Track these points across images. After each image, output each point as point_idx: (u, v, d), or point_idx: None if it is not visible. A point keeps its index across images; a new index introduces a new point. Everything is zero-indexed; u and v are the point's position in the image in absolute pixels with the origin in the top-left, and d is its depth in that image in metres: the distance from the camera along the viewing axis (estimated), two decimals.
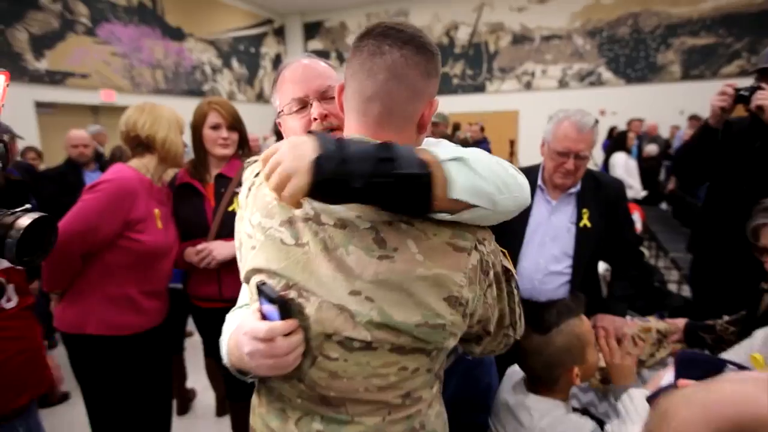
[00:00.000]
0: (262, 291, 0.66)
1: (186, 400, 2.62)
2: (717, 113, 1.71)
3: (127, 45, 7.22)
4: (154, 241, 1.49)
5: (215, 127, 1.71)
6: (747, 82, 1.77)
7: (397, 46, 0.67)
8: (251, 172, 0.80)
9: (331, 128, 0.90)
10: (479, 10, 9.62)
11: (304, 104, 0.93)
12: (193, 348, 2.88)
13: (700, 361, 0.62)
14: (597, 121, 1.52)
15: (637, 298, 2.10)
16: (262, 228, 0.73)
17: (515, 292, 0.81)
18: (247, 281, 0.78)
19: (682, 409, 0.50)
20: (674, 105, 8.18)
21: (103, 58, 6.83)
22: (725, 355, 0.91)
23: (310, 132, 0.68)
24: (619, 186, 1.66)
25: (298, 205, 0.63)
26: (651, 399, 0.65)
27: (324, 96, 0.93)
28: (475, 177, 0.64)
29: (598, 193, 1.58)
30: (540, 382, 1.03)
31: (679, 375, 0.62)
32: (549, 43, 9.21)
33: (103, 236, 1.43)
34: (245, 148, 1.83)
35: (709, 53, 8.19)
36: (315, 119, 0.90)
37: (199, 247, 1.65)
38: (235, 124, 1.73)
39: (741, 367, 0.61)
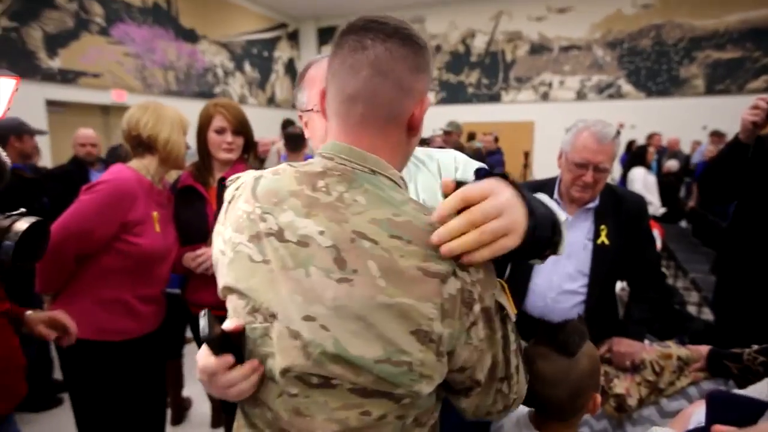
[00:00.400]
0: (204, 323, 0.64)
1: (181, 410, 2.59)
2: (748, 128, 1.65)
3: (141, 45, 7.34)
4: (151, 244, 1.47)
5: (220, 131, 1.70)
6: None
7: (380, 39, 0.63)
8: (233, 188, 0.76)
9: None
10: (497, 18, 9.63)
11: None
12: (192, 355, 2.85)
13: (737, 403, 0.58)
14: (619, 133, 1.47)
15: (655, 321, 2.04)
16: (233, 243, 0.69)
17: (511, 337, 0.66)
18: (224, 299, 0.75)
19: None
20: (697, 120, 8.06)
21: (116, 58, 6.94)
22: (752, 389, 0.86)
23: (503, 176, 0.62)
24: (641, 202, 1.61)
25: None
26: None
27: None
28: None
29: (618, 209, 1.53)
30: (558, 415, 0.91)
31: (712, 417, 0.58)
32: (568, 53, 9.16)
33: (99, 238, 1.41)
34: (251, 152, 1.82)
35: (734, 67, 8.08)
36: None
37: (198, 252, 1.63)
38: (241, 128, 1.72)
39: None
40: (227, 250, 0.70)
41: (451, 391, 0.69)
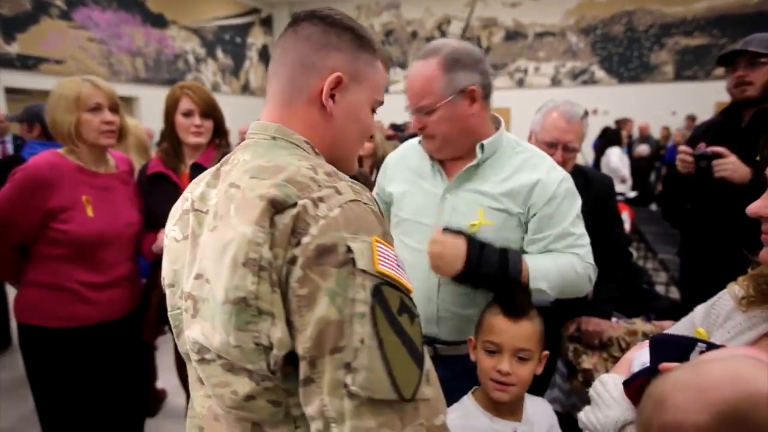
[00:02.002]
0: None
1: (156, 401, 2.56)
2: (683, 173, 1.68)
3: (105, 31, 7.08)
4: (83, 230, 1.40)
5: (187, 114, 1.65)
6: None
7: (293, 24, 0.69)
8: None
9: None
10: (472, 4, 9.63)
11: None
12: (165, 345, 2.81)
13: (672, 342, 0.62)
14: (587, 113, 1.50)
15: (624, 299, 2.10)
16: (168, 232, 0.72)
17: (360, 295, 0.52)
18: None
19: (679, 395, 0.52)
20: (666, 106, 8.28)
21: (79, 44, 6.69)
22: (674, 328, 0.94)
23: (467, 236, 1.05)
24: (608, 183, 1.64)
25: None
26: (628, 383, 0.64)
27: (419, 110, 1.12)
28: (549, 281, 1.08)
29: (586, 190, 1.55)
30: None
31: (656, 358, 0.62)
32: (542, 40, 9.25)
33: (25, 227, 1.37)
34: (222, 137, 1.78)
35: (702, 54, 8.30)
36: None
37: (162, 234, 1.58)
38: (209, 111, 1.67)
39: (709, 345, 0.61)
40: (165, 241, 0.73)
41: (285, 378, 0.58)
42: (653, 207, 6.06)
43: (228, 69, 9.73)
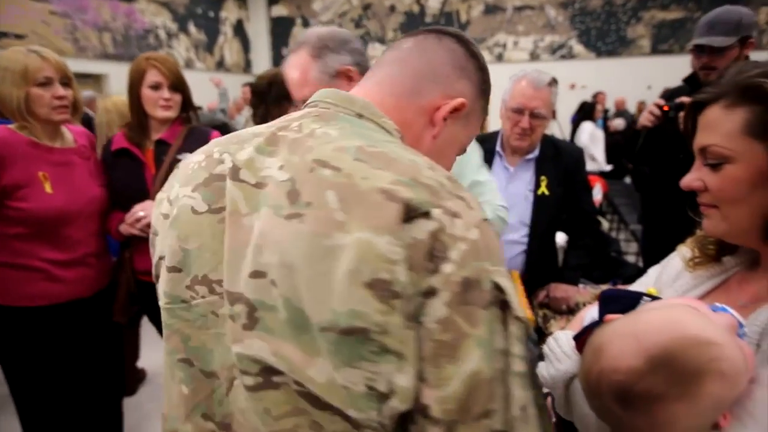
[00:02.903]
0: None
1: (135, 381, 2.56)
2: (644, 127, 1.74)
3: (69, 4, 6.74)
4: (41, 207, 1.36)
5: (155, 87, 1.60)
6: None
7: (437, 32, 0.66)
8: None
9: None
10: None
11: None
12: (148, 325, 2.80)
13: (619, 296, 0.65)
14: (556, 81, 1.52)
15: (593, 267, 2.16)
16: (177, 199, 0.56)
17: (516, 349, 0.44)
18: (157, 279, 0.60)
19: (616, 342, 0.55)
20: (642, 80, 8.34)
21: (41, 18, 6.36)
22: (639, 282, 0.99)
23: None
24: (578, 153, 1.68)
25: None
26: (578, 337, 0.67)
27: None
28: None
29: (557, 160, 1.59)
30: None
31: (603, 311, 0.64)
32: (521, 13, 9.17)
33: None
34: (189, 111, 1.74)
35: (678, 27, 8.35)
36: None
37: (133, 211, 1.54)
38: (178, 84, 1.62)
39: (654, 298, 0.64)
40: (171, 210, 0.56)
41: None
42: (627, 180, 6.18)
43: (201, 44, 9.41)
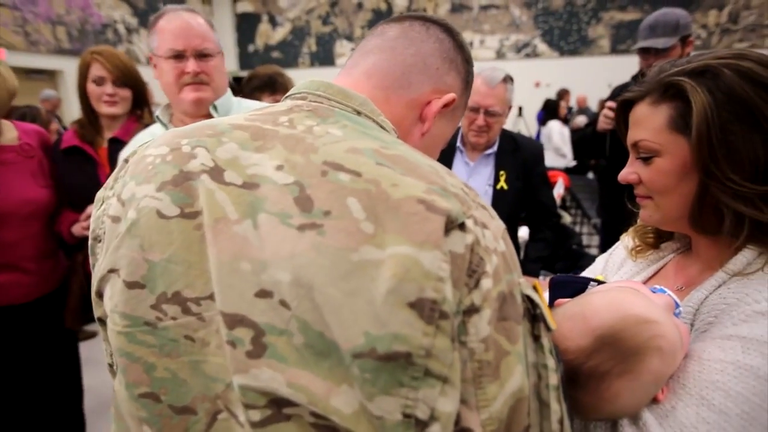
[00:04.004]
0: None
1: None
2: (604, 129, 1.81)
3: None
4: None
5: (98, 82, 1.55)
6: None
7: (423, 20, 0.63)
8: (134, 147, 0.58)
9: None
10: None
11: (179, 56, 1.16)
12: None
13: (568, 281, 0.67)
14: (511, 78, 1.54)
15: (556, 259, 2.22)
16: (135, 200, 0.47)
17: (550, 363, 0.43)
18: (99, 296, 0.50)
19: (565, 324, 0.57)
20: (603, 78, 8.59)
21: None
22: (589, 270, 1.02)
23: None
24: (537, 148, 1.71)
25: None
26: None
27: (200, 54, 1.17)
28: None
29: (516, 155, 1.62)
30: None
31: (553, 296, 0.67)
32: (487, 12, 9.30)
33: None
34: (144, 107, 1.68)
35: (635, 28, 8.59)
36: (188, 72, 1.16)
37: (85, 214, 1.49)
38: (125, 78, 1.56)
39: (600, 283, 0.67)
40: (127, 212, 0.47)
41: None
42: (590, 176, 6.37)
43: None
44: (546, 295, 0.71)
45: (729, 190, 0.56)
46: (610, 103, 1.78)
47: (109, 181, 0.54)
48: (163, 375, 0.44)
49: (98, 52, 1.56)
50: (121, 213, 0.48)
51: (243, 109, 1.31)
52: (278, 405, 0.40)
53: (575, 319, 0.58)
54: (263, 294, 0.40)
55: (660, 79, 0.62)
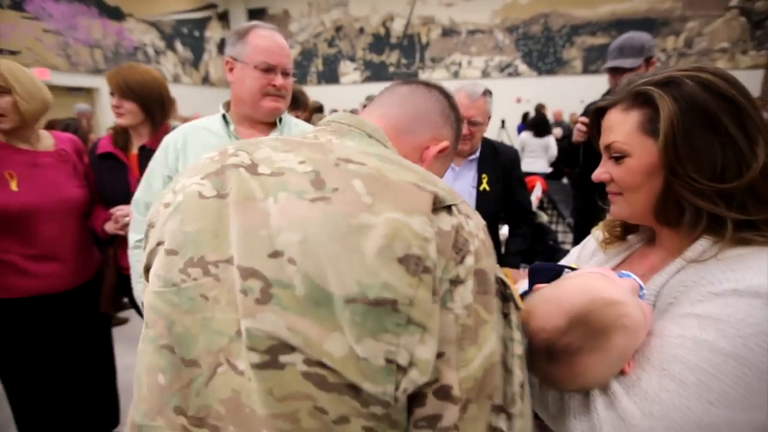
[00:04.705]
0: None
1: None
2: (579, 140, 1.80)
3: (61, 22, 6.41)
4: (6, 204, 1.29)
5: (111, 95, 1.54)
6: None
7: (423, 84, 0.69)
8: None
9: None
10: (412, 3, 9.50)
11: (269, 69, 1.16)
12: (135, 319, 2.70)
13: (546, 269, 0.67)
14: (490, 92, 1.54)
15: (533, 254, 2.22)
16: (183, 188, 0.50)
17: (516, 336, 0.45)
18: (147, 270, 0.52)
19: (541, 306, 0.58)
20: (576, 95, 8.62)
21: (34, 35, 6.03)
22: (565, 259, 1.02)
23: None
24: (514, 154, 1.71)
25: None
26: None
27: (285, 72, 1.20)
28: None
29: (496, 160, 1.62)
30: None
31: (532, 282, 0.66)
32: (474, 36, 9.32)
33: None
34: (154, 119, 1.59)
35: (604, 51, 8.62)
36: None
37: (115, 210, 1.47)
38: (130, 93, 1.51)
39: (573, 270, 0.67)
40: (174, 199, 0.51)
41: (413, 419, 0.42)
42: (564, 181, 6.38)
43: (188, 61, 9.14)
44: (526, 281, 0.71)
45: (690, 187, 0.56)
46: (582, 119, 1.78)
47: (171, 183, 0.57)
48: (179, 330, 0.46)
49: (112, 70, 1.55)
50: (172, 200, 0.51)
51: (293, 125, 1.32)
52: (276, 353, 0.41)
53: (551, 302, 0.57)
54: (275, 254, 0.42)
55: (630, 89, 0.62)
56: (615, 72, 1.77)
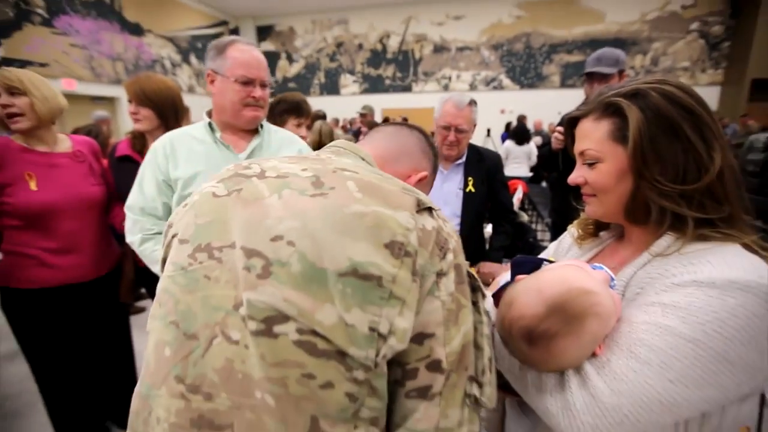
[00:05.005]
0: None
1: None
2: (558, 147, 1.81)
3: (86, 37, 6.36)
4: (27, 202, 1.28)
5: (129, 102, 1.52)
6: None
7: (404, 124, 0.74)
8: None
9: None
10: (407, 22, 9.50)
11: (248, 82, 1.14)
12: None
13: (526, 262, 0.67)
14: (475, 102, 1.54)
15: (515, 250, 2.22)
16: (200, 191, 0.54)
17: (484, 319, 0.50)
18: (164, 261, 0.54)
19: (522, 295, 0.57)
20: (554, 107, 8.63)
21: (62, 49, 5.98)
22: (544, 253, 1.02)
23: None
24: (497, 158, 1.71)
25: None
26: (495, 295, 0.68)
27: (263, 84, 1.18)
28: None
29: (480, 164, 1.62)
30: None
31: (514, 273, 0.66)
32: (462, 53, 9.33)
33: None
34: (171, 125, 1.56)
35: (579, 68, 8.69)
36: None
37: None
38: (145, 99, 1.49)
39: (552, 263, 0.67)
40: (191, 200, 0.54)
41: (404, 390, 0.45)
42: (543, 184, 6.41)
43: (202, 73, 9.08)
44: (508, 273, 0.71)
45: (656, 189, 0.57)
46: (559, 128, 1.78)
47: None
48: (183, 308, 0.48)
49: (130, 80, 1.53)
50: (189, 200, 0.55)
51: (273, 131, 1.29)
52: (271, 323, 0.43)
53: (531, 291, 0.57)
54: (276, 239, 0.45)
55: (601, 100, 0.62)
56: (592, 78, 1.77)
